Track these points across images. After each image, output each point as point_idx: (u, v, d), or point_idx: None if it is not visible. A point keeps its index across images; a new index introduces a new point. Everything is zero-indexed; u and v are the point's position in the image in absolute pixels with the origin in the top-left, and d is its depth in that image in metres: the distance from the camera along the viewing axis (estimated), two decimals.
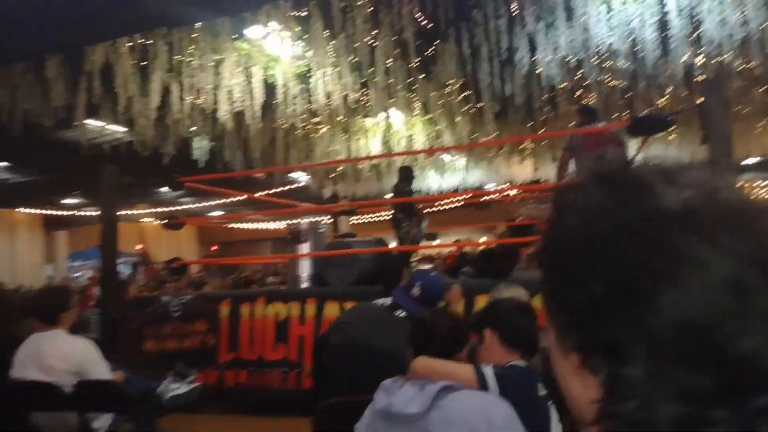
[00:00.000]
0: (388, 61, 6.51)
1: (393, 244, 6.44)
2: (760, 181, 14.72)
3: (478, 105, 7.80)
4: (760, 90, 7.89)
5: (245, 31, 6.26)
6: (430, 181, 12.19)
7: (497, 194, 11.52)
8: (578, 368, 0.44)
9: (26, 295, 11.32)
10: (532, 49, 6.01)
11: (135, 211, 16.91)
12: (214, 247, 22.85)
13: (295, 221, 6.14)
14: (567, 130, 7.29)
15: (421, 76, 7.26)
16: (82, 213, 16.76)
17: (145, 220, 19.04)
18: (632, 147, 5.99)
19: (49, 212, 17.14)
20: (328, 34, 6.04)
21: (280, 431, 4.15)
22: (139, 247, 16.65)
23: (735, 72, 6.62)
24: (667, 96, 7.57)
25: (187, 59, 6.41)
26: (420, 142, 9.33)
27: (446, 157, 11.47)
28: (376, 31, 6.07)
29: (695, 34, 5.62)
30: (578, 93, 7.76)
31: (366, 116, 8.87)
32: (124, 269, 16.24)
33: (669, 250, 0.40)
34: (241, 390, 4.67)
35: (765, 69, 6.62)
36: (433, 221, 8.18)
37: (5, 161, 10.84)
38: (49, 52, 5.78)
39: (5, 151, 9.58)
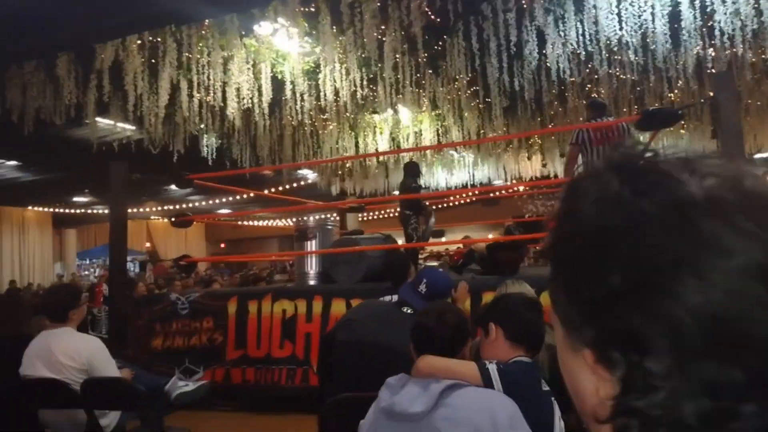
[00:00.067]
0: (396, 57, 6.48)
1: (401, 241, 6.42)
2: None
3: (487, 100, 7.76)
4: None
5: (254, 28, 6.26)
6: (438, 177, 12.17)
7: (505, 190, 11.49)
8: (594, 364, 0.42)
9: (37, 293, 11.44)
10: (541, 43, 5.97)
11: (144, 209, 17.01)
12: (222, 245, 22.98)
13: (303, 218, 6.13)
14: (576, 125, 7.23)
15: (429, 72, 7.23)
16: (92, 211, 16.87)
17: (154, 218, 19.16)
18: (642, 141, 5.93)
19: (59, 210, 17.27)
20: (336, 30, 6.02)
21: (287, 428, 4.15)
22: (147, 245, 16.76)
23: (747, 65, 6.55)
24: (678, 89, 7.50)
25: (196, 57, 6.43)
26: (428, 138, 9.30)
27: (454, 153, 11.43)
28: (383, 27, 6.05)
29: (707, 25, 5.55)
30: (588, 87, 7.70)
31: (374, 112, 8.85)
32: (132, 267, 16.41)
33: (694, 237, 0.38)
34: (248, 387, 4.67)
35: None
36: (440, 218, 8.15)
37: (16, 160, 10.93)
38: (59, 50, 5.81)
39: (16, 149, 9.65)
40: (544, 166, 11.54)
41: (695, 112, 8.47)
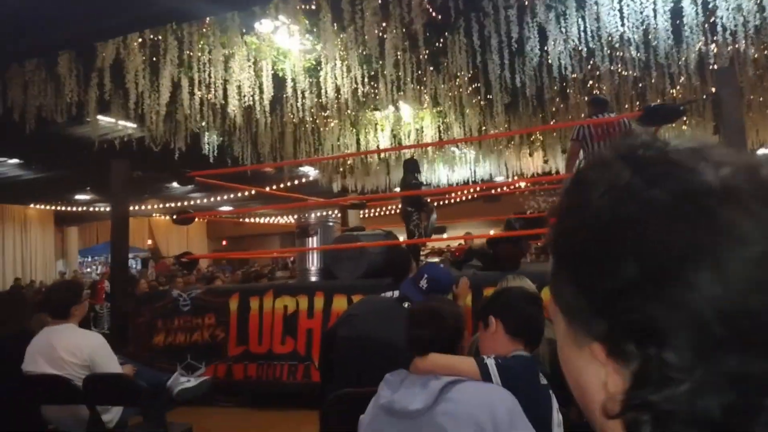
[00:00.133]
0: (397, 54, 6.47)
1: (402, 238, 6.42)
2: None
3: (488, 97, 7.75)
4: None
5: (255, 26, 6.26)
6: (439, 174, 12.17)
7: (507, 187, 11.48)
8: (606, 358, 0.41)
9: (39, 291, 11.48)
10: (543, 39, 5.95)
11: (146, 207, 17.03)
12: (224, 242, 23.00)
13: (304, 215, 6.13)
14: (577, 122, 7.22)
15: (430, 69, 7.22)
16: (93, 208, 16.90)
17: (156, 215, 19.19)
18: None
19: (60, 208, 17.30)
20: (337, 27, 6.02)
21: (288, 424, 4.16)
22: (149, 242, 16.78)
23: (749, 60, 6.53)
24: (680, 85, 7.48)
25: (197, 54, 6.43)
26: (429, 134, 9.29)
27: (456, 150, 11.42)
28: (384, 24, 6.04)
29: (709, 21, 5.54)
30: (590, 83, 7.69)
31: (375, 109, 8.84)
32: (134, 264, 16.44)
33: (711, 226, 0.38)
34: (250, 383, 4.68)
35: None
36: (442, 214, 8.15)
37: (18, 158, 10.94)
38: (59, 49, 5.81)
39: (18, 147, 9.66)
40: (545, 162, 11.53)
41: (697, 108, 8.45)
